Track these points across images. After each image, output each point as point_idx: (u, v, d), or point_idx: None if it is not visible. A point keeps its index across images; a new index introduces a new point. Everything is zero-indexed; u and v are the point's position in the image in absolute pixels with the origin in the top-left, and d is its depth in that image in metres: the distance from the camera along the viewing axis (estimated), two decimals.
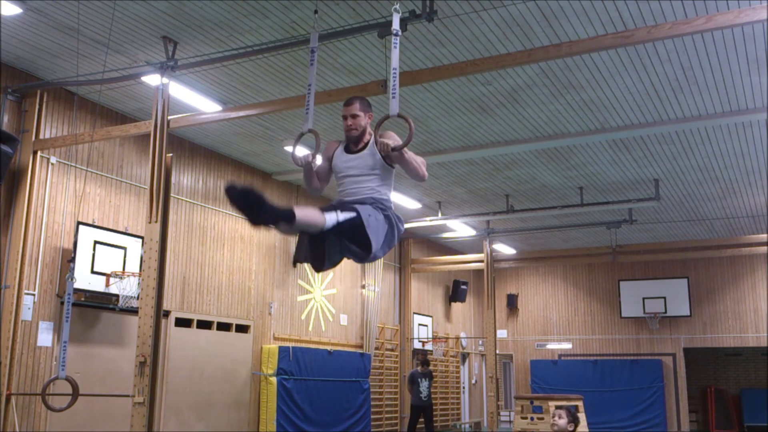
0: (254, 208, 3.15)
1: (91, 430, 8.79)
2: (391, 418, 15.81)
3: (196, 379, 10.56)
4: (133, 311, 8.83)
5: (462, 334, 19.61)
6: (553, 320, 20.40)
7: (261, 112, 8.29)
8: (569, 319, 20.18)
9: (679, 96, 8.94)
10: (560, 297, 20.43)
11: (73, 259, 8.02)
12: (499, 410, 17.78)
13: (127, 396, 8.08)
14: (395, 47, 4.14)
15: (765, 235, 15.18)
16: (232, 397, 11.25)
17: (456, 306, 19.43)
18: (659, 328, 18.70)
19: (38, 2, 6.85)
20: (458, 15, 6.96)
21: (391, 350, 16.27)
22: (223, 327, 11.21)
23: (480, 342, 20.13)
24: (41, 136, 8.47)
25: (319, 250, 3.73)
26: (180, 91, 8.50)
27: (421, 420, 13.19)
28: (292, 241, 12.52)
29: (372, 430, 14.53)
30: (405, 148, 3.76)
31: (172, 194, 8.37)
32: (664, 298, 18.48)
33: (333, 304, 14.09)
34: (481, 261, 16.59)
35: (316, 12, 5.43)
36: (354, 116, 3.97)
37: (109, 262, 8.96)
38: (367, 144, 3.96)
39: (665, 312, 18.43)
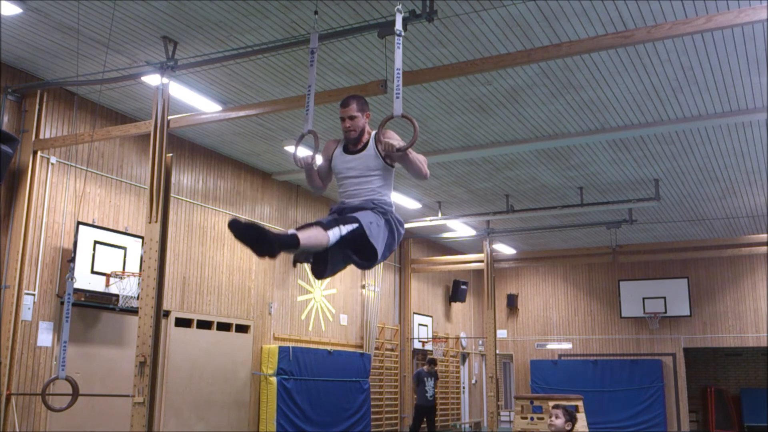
0: (258, 241, 3.21)
1: (91, 430, 8.79)
2: (391, 418, 15.81)
3: (196, 379, 10.56)
4: (133, 311, 8.83)
5: (462, 334, 19.60)
6: (553, 320, 20.39)
7: (261, 112, 8.29)
8: (569, 319, 20.17)
9: (679, 96, 8.94)
10: (560, 297, 20.42)
11: (73, 259, 8.02)
12: (499, 410, 17.78)
13: (127, 396, 8.08)
14: (398, 48, 4.12)
15: (765, 235, 15.16)
16: (232, 397, 11.25)
17: (456, 306, 19.43)
18: (659, 328, 18.69)
19: (38, 2, 6.85)
20: (458, 15, 6.96)
21: (391, 350, 16.27)
22: (223, 327, 11.21)
23: (480, 342, 20.13)
24: (41, 136, 8.47)
25: (322, 258, 3.74)
26: (180, 91, 8.50)
27: (423, 420, 13.20)
28: None
29: (372, 430, 14.53)
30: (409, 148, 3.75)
31: (172, 194, 8.37)
32: (664, 298, 18.47)
33: (333, 304, 14.09)
34: (481, 261, 16.58)
35: (316, 13, 5.42)
36: (352, 118, 3.94)
37: (109, 262, 8.96)
38: (366, 144, 3.93)
39: (665, 312, 18.42)
